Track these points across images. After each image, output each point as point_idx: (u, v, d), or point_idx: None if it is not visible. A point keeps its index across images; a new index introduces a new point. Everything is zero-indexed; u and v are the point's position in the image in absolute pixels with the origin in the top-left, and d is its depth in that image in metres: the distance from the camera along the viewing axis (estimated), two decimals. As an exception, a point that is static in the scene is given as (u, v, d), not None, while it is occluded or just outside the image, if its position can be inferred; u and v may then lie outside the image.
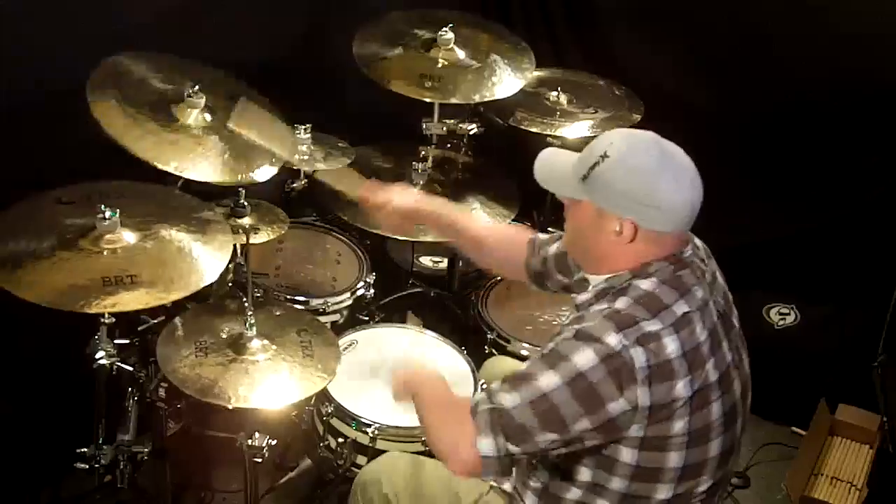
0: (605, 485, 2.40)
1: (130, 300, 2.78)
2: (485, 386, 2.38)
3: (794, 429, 4.32)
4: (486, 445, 2.35)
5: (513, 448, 2.34)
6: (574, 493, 2.46)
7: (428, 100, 3.98)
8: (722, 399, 2.39)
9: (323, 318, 3.67)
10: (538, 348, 3.38)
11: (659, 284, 2.37)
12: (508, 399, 2.33)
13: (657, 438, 2.34)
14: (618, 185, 2.36)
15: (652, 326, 2.31)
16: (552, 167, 2.57)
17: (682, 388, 2.31)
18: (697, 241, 2.57)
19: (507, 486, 2.70)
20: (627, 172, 2.36)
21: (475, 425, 2.36)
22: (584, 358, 2.27)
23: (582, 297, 2.49)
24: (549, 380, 2.29)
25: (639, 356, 2.27)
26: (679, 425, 2.33)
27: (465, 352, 3.64)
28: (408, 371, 2.78)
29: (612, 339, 2.27)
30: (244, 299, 3.16)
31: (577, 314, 2.45)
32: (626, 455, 2.36)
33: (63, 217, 2.98)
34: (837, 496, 3.92)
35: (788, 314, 4.51)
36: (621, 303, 2.35)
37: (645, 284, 2.38)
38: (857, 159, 4.54)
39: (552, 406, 2.29)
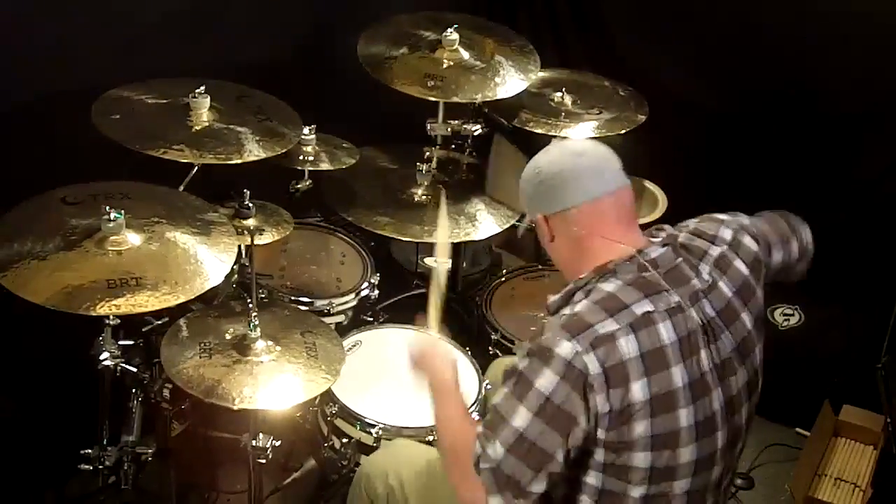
0: (583, 479, 2.41)
1: (135, 302, 2.78)
2: (480, 429, 2.42)
3: (798, 430, 4.32)
4: (497, 502, 2.38)
5: (522, 501, 2.37)
6: (560, 487, 2.45)
7: (432, 99, 3.98)
8: (693, 407, 2.37)
9: (327, 319, 3.68)
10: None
11: (622, 286, 2.38)
12: (493, 451, 2.35)
13: (619, 442, 2.34)
14: (525, 191, 2.54)
15: (607, 328, 2.31)
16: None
17: (637, 390, 2.30)
18: (713, 250, 2.54)
19: None
20: (525, 177, 2.54)
21: (483, 485, 2.38)
22: (545, 380, 2.29)
23: (552, 299, 2.53)
24: (521, 417, 2.31)
25: (592, 362, 2.27)
26: (640, 428, 2.32)
27: (470, 353, 3.65)
28: (427, 356, 2.77)
29: (565, 348, 2.28)
30: (248, 300, 3.16)
31: (547, 321, 2.46)
32: (597, 454, 2.37)
33: (68, 218, 2.98)
34: (841, 497, 3.92)
35: (792, 315, 4.50)
36: (580, 306, 2.37)
37: (608, 286, 2.39)
38: (861, 161, 4.53)
39: (531, 445, 2.31)
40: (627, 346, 2.31)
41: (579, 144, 2.62)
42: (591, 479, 2.40)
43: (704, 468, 2.46)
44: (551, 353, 2.29)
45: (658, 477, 2.39)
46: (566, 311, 2.40)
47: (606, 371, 2.28)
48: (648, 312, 2.35)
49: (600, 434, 2.32)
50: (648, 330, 2.34)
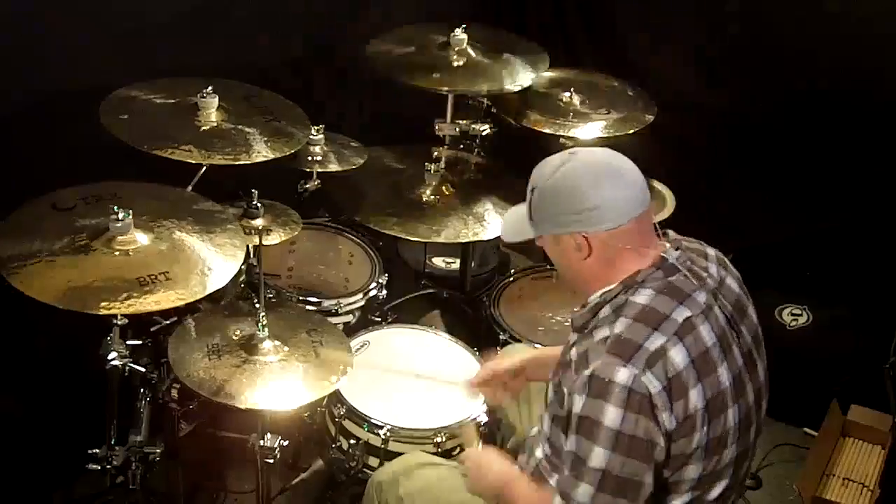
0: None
1: (143, 302, 2.78)
2: (556, 482, 2.45)
3: (806, 430, 4.31)
4: None
5: None
6: None
7: (444, 90, 4.00)
8: (738, 405, 2.40)
9: (335, 319, 3.68)
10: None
11: (654, 295, 2.38)
12: (581, 493, 2.32)
13: (679, 456, 2.34)
14: (551, 207, 2.45)
15: (656, 342, 2.30)
16: (509, 223, 2.69)
17: (695, 398, 2.31)
18: (710, 251, 2.57)
19: None
20: (554, 192, 2.44)
21: None
22: (612, 416, 2.27)
23: (578, 318, 2.51)
24: (599, 457, 2.28)
25: (652, 382, 2.27)
26: (697, 437, 2.33)
27: (478, 352, 3.64)
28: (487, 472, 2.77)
29: (623, 375, 2.27)
30: (255, 301, 3.16)
31: (581, 345, 2.44)
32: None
33: (76, 218, 2.97)
34: (849, 497, 3.91)
35: (801, 315, 4.50)
36: (620, 325, 2.35)
37: (640, 298, 2.38)
38: (870, 160, 4.52)
39: (617, 477, 2.29)
40: (678, 356, 2.31)
41: (608, 159, 2.46)
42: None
43: (739, 465, 2.48)
44: (610, 384, 2.27)
45: (703, 483, 2.41)
46: (604, 332, 2.38)
47: (666, 387, 2.28)
48: (688, 318, 2.35)
49: (669, 450, 2.33)
50: (693, 335, 2.34)
